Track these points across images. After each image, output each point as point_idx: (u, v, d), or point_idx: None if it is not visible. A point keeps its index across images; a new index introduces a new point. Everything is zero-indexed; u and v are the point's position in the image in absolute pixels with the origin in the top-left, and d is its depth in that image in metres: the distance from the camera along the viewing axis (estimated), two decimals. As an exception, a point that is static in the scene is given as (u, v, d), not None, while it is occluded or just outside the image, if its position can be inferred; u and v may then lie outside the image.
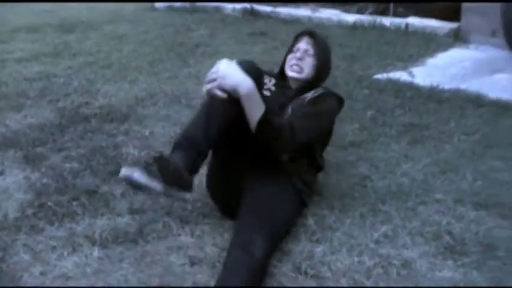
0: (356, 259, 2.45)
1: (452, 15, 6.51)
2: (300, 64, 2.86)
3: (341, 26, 7.06)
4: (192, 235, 2.67)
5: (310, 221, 2.74)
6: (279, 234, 2.50)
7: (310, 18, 7.42)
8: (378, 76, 5.00)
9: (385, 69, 5.20)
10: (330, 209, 2.85)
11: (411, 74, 5.02)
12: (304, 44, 2.89)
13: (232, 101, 2.42)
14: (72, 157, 3.52)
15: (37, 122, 4.14)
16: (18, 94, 4.81)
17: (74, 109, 4.40)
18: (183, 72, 5.27)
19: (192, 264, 2.46)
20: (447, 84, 4.65)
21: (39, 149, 3.65)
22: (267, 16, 7.83)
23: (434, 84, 4.64)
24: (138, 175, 2.28)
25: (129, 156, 3.48)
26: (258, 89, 2.49)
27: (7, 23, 8.09)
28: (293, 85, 2.91)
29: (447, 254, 2.49)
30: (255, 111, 2.43)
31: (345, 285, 2.30)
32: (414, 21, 6.76)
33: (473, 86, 4.62)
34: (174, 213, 2.86)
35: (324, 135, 2.92)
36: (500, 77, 4.95)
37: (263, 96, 2.56)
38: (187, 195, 2.38)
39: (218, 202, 2.83)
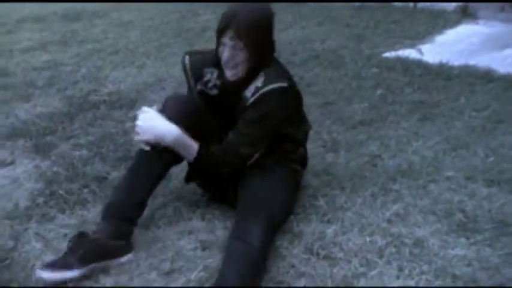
0: (368, 239, 2.44)
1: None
2: (232, 65, 2.45)
3: (348, 5, 7.00)
4: (203, 219, 2.68)
5: (321, 202, 2.73)
6: (276, 220, 2.46)
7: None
8: (387, 55, 4.96)
9: (393, 48, 5.16)
10: (340, 189, 2.84)
11: (420, 52, 4.98)
12: (227, 39, 2.40)
13: (159, 154, 2.48)
14: (82, 145, 3.52)
15: (46, 110, 4.15)
16: (26, 84, 4.81)
17: (83, 97, 4.41)
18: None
19: (203, 248, 2.46)
20: (456, 61, 4.62)
21: (48, 138, 3.66)
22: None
23: (443, 61, 4.61)
24: (48, 275, 2.25)
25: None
26: (203, 86, 2.60)
27: (13, 13, 8.08)
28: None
29: (459, 232, 2.47)
30: (188, 154, 2.49)
31: (357, 265, 2.29)
32: (422, -2, 6.70)
33: (482, 61, 4.57)
34: (185, 197, 2.86)
35: (290, 118, 2.59)
36: (510, 52, 4.88)
37: (211, 98, 2.61)
38: (124, 258, 2.41)
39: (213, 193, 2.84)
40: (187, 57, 2.69)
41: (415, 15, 6.27)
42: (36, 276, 2.27)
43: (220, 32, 2.42)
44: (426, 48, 5.10)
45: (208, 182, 2.78)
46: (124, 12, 7.70)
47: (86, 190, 2.98)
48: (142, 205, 2.52)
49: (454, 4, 6.35)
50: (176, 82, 4.53)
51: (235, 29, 2.37)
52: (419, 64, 4.63)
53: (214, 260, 2.36)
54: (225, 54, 2.43)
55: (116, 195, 2.52)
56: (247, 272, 2.16)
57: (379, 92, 4.08)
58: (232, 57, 2.43)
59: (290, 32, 6.00)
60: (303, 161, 2.80)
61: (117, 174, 3.09)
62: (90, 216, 2.74)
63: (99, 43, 6.09)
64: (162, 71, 4.85)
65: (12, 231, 2.66)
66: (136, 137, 2.50)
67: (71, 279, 2.27)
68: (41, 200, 2.91)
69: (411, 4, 6.62)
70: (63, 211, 2.81)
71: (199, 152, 2.46)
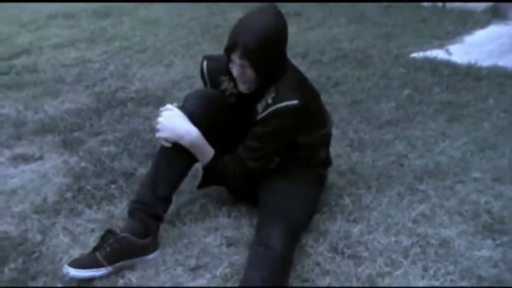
0: (393, 238, 2.44)
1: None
2: (243, 81, 2.46)
3: (376, 4, 6.97)
4: (229, 216, 2.69)
5: (347, 201, 2.73)
6: (298, 225, 2.43)
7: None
8: (415, 54, 4.94)
9: (421, 48, 5.12)
10: (366, 189, 2.84)
11: (448, 52, 4.94)
12: (236, 58, 2.39)
13: (180, 151, 2.51)
14: (109, 141, 3.56)
15: (74, 107, 4.20)
16: (55, 80, 4.86)
17: (111, 93, 4.45)
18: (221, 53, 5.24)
19: (229, 245, 2.48)
20: (485, 61, 4.58)
21: (76, 134, 3.70)
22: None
23: (472, 61, 4.57)
24: (75, 272, 2.29)
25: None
26: (221, 96, 2.62)
27: (43, 9, 8.16)
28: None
29: (486, 233, 2.46)
30: (203, 157, 2.54)
31: (382, 265, 2.28)
32: (451, -3, 6.65)
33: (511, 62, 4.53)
34: (211, 195, 2.87)
35: (300, 131, 2.54)
36: (539, 52, 4.85)
37: (228, 106, 2.61)
38: (151, 256, 2.44)
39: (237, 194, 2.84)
40: (205, 62, 2.71)
41: (444, 15, 6.22)
42: (64, 272, 2.30)
43: (229, 51, 2.41)
44: (455, 48, 5.06)
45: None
46: (152, 10, 7.74)
47: (113, 186, 3.01)
48: (167, 201, 2.55)
49: (484, 4, 6.29)
50: (204, 80, 4.54)
51: (243, 49, 2.34)
52: (448, 64, 4.60)
53: (240, 256, 2.38)
54: (235, 71, 2.43)
55: (141, 192, 2.54)
56: (270, 276, 2.16)
57: (406, 91, 4.07)
58: (242, 75, 2.42)
59: (318, 32, 5.99)
60: (326, 163, 2.76)
61: (144, 171, 3.11)
62: (117, 211, 2.77)
63: (127, 41, 6.13)
64: (190, 69, 4.86)
65: (40, 225, 2.70)
66: (157, 134, 2.54)
67: (101, 276, 2.31)
68: (69, 195, 2.95)
69: (440, 4, 6.57)
70: (90, 206, 2.84)
71: (213, 160, 2.52)
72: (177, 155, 2.52)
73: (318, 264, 2.32)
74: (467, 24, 5.83)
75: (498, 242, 2.40)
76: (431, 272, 2.24)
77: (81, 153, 3.41)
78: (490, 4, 6.27)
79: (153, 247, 2.45)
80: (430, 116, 3.65)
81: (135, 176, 3.09)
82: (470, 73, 4.36)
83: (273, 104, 2.40)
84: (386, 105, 3.85)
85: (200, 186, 2.77)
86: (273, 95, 2.43)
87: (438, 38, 5.43)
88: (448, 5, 6.52)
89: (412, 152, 3.20)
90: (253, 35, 2.34)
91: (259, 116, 2.44)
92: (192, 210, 2.75)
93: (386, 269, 2.27)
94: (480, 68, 4.45)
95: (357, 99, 3.98)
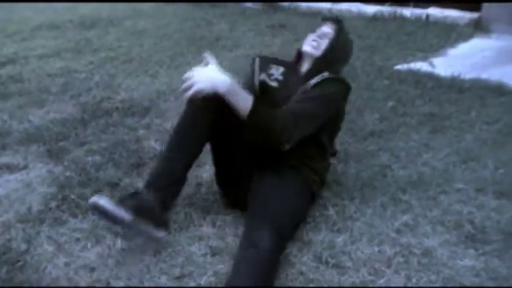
0: (376, 248, 2.46)
1: (473, 5, 6.46)
2: (318, 41, 2.79)
3: (361, 17, 7.02)
4: (213, 225, 2.70)
5: (331, 211, 2.75)
6: (287, 227, 2.48)
7: (330, 10, 7.38)
8: (399, 67, 4.98)
9: (405, 60, 5.18)
10: (350, 199, 2.86)
11: (432, 64, 4.99)
12: (326, 28, 2.82)
13: (193, 127, 2.53)
14: (95, 151, 3.56)
15: (59, 117, 4.19)
16: (40, 90, 4.85)
17: (96, 104, 4.44)
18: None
19: (213, 254, 2.48)
20: (468, 74, 4.63)
21: (62, 143, 3.70)
22: (287, 8, 7.82)
23: (455, 74, 4.61)
24: (104, 201, 2.32)
25: (151, 149, 3.51)
26: (267, 77, 2.79)
27: (28, 20, 8.15)
28: (305, 66, 2.83)
29: (468, 243, 2.49)
30: (242, 105, 2.44)
31: (366, 274, 2.30)
32: (435, 11, 6.71)
33: (494, 75, 4.57)
34: (196, 204, 2.88)
35: (333, 120, 2.76)
36: (523, 66, 4.90)
37: (269, 88, 2.73)
38: (162, 233, 2.45)
39: (228, 197, 2.85)
40: (257, 58, 2.91)
41: (428, 28, 6.29)
42: (89, 202, 2.34)
43: (326, 20, 2.88)
44: (438, 61, 5.11)
45: (228, 187, 2.81)
46: (138, 20, 7.75)
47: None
48: (182, 179, 2.56)
49: (467, 17, 6.36)
50: (189, 91, 4.55)
51: (337, 26, 2.82)
52: (431, 77, 4.65)
53: (224, 266, 2.39)
54: (318, 33, 2.82)
55: (156, 169, 2.56)
56: (259, 275, 2.19)
57: (390, 103, 4.10)
58: (320, 38, 2.78)
59: (301, 43, 6.00)
60: (322, 174, 2.81)
61: (129, 181, 3.13)
62: (102, 221, 2.76)
63: (113, 51, 6.14)
64: (175, 80, 4.87)
65: (25, 235, 2.69)
66: (192, 88, 2.45)
67: (121, 221, 2.33)
68: (53, 204, 2.94)
69: (424, 16, 6.63)
70: (75, 215, 2.83)
71: (254, 104, 2.43)
72: (193, 129, 2.53)
73: (302, 273, 2.34)
74: (451, 37, 5.90)
75: (480, 251, 2.42)
76: (414, 280, 2.26)
77: (66, 163, 3.41)
78: (473, 17, 6.34)
79: (165, 226, 2.47)
80: (414, 127, 3.69)
81: (120, 186, 3.09)
82: (454, 85, 4.40)
83: (329, 76, 2.67)
84: (370, 116, 3.88)
85: (225, 205, 2.83)
86: (327, 73, 2.68)
87: (422, 50, 5.48)
88: (432, 17, 6.58)
89: (396, 163, 3.23)
90: (344, 29, 2.87)
91: (313, 83, 2.64)
92: (177, 219, 2.75)
93: (370, 278, 2.29)
94: (463, 81, 4.50)
95: (341, 111, 4.00)
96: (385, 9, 7.06)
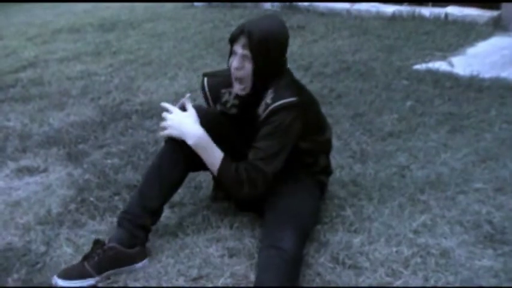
0: (394, 249, 2.45)
1: (493, 3, 6.41)
2: (239, 78, 2.52)
3: (379, 17, 7.00)
4: (231, 227, 2.70)
5: (348, 212, 2.74)
6: (307, 226, 2.49)
7: (348, 11, 7.37)
8: (417, 66, 4.96)
9: (424, 60, 5.15)
10: (368, 200, 2.85)
11: (450, 64, 4.96)
12: (239, 47, 2.48)
13: (175, 160, 2.56)
14: (113, 153, 3.59)
15: (79, 119, 4.23)
16: (60, 93, 4.91)
17: (115, 106, 4.48)
18: (223, 67, 5.26)
19: (231, 255, 2.49)
20: (487, 73, 4.60)
21: (81, 146, 3.73)
22: (306, 10, 7.81)
23: (474, 73, 4.59)
24: (62, 283, 2.33)
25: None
26: (223, 107, 2.68)
27: (49, 24, 8.24)
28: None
29: (487, 243, 2.47)
30: (210, 161, 2.51)
31: (383, 275, 2.30)
32: (453, 10, 6.66)
33: (514, 74, 4.55)
34: (214, 206, 2.89)
35: (304, 133, 2.57)
36: (542, 64, 4.86)
37: (230, 116, 2.66)
38: (139, 264, 2.46)
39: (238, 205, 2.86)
40: (205, 79, 2.78)
41: (447, 27, 6.25)
42: (53, 283, 2.33)
43: (233, 39, 2.51)
44: (457, 60, 5.08)
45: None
46: (158, 23, 7.80)
47: (116, 197, 3.04)
48: (156, 213, 2.58)
49: (486, 15, 6.31)
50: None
51: (248, 38, 2.45)
52: (450, 76, 4.62)
53: (241, 267, 2.39)
54: (234, 63, 2.50)
55: (130, 202, 2.59)
56: (284, 276, 2.19)
57: (409, 103, 4.08)
58: (241, 68, 2.49)
59: (322, 44, 6.02)
60: (327, 170, 2.80)
61: (147, 183, 3.14)
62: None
63: (132, 54, 6.18)
64: (194, 82, 4.89)
65: (44, 237, 2.72)
66: (163, 132, 2.57)
67: (93, 285, 2.35)
68: (72, 206, 2.98)
69: (443, 15, 6.58)
70: (93, 217, 2.86)
71: (223, 162, 2.48)
72: (170, 164, 2.56)
73: (319, 274, 2.33)
74: (470, 36, 5.86)
75: (499, 252, 2.40)
76: (432, 281, 2.25)
77: (85, 166, 3.44)
78: (492, 16, 6.29)
79: (141, 256, 2.47)
80: (432, 127, 3.67)
81: (139, 188, 3.11)
82: (472, 85, 4.38)
83: (272, 103, 2.47)
84: (388, 116, 3.87)
85: (214, 198, 2.83)
86: (271, 96, 2.49)
87: (440, 50, 5.45)
88: (451, 16, 6.54)
89: (414, 163, 3.21)
90: (258, 28, 2.46)
91: (261, 118, 2.49)
92: (195, 221, 2.77)
93: (387, 279, 2.28)
94: (482, 80, 4.47)
95: (360, 111, 4.00)
96: (404, 8, 7.02)
